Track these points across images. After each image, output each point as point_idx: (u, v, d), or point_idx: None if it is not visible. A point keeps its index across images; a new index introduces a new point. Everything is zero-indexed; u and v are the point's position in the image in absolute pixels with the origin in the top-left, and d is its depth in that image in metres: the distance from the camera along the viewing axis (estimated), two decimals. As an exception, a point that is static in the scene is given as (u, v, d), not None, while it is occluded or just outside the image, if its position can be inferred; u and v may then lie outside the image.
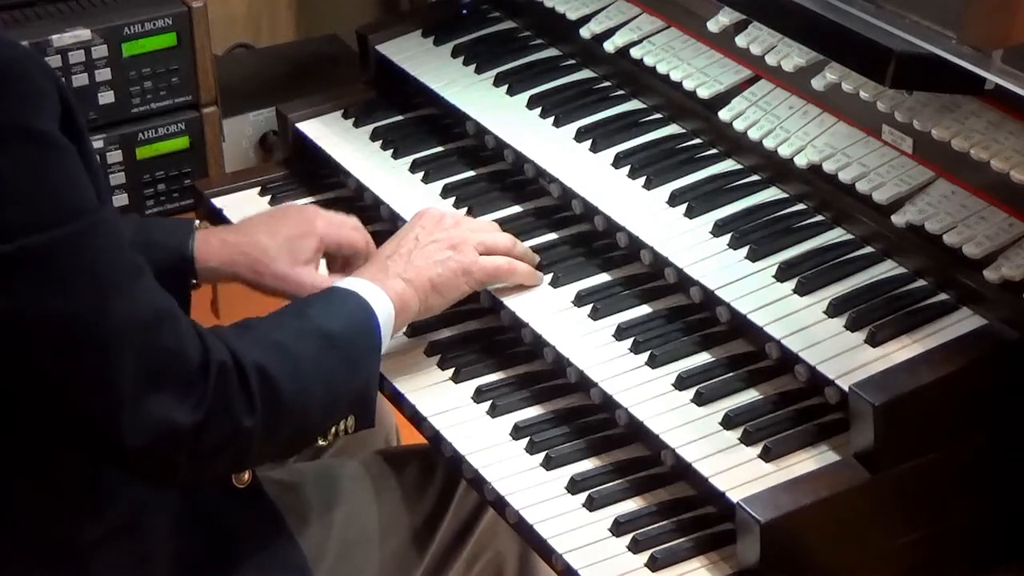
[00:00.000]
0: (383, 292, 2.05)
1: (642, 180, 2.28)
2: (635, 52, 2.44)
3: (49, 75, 1.68)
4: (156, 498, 1.90)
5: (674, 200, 2.23)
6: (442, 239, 2.15)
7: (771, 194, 2.23)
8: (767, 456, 1.89)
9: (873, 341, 1.94)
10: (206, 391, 1.77)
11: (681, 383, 2.02)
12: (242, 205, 2.57)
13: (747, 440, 1.92)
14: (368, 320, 2.01)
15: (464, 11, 2.75)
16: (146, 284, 1.75)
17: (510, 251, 2.20)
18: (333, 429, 1.97)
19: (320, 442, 1.99)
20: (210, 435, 1.78)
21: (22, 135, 1.64)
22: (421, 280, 2.10)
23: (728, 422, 1.95)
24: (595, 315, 2.14)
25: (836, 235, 2.13)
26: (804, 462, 1.89)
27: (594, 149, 2.36)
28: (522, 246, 2.23)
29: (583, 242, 2.28)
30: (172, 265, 2.15)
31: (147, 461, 1.77)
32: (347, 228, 2.25)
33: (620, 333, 2.10)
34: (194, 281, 2.21)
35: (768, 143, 2.22)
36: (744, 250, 2.12)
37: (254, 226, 2.24)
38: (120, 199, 2.92)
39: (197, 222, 2.25)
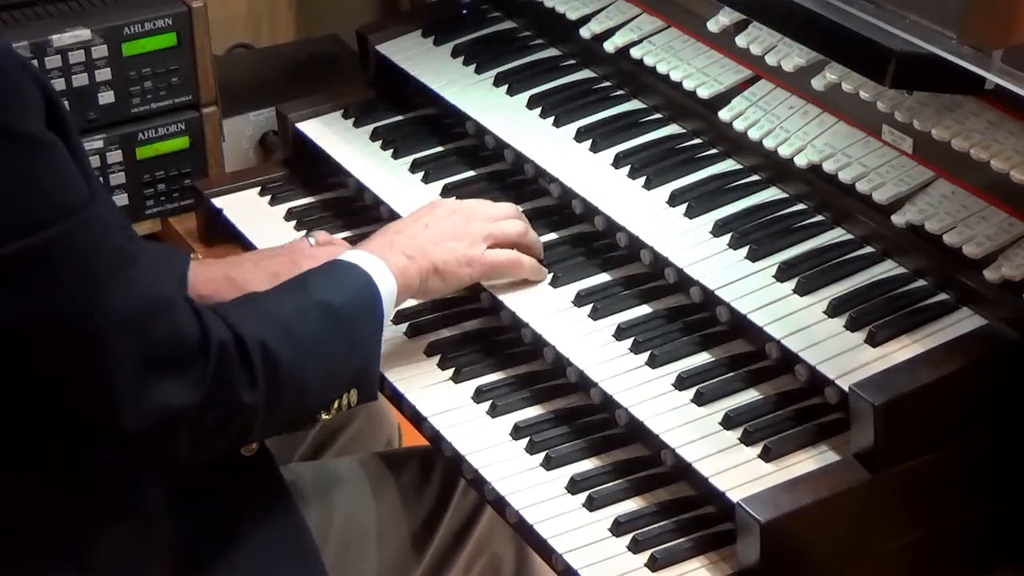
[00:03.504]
0: (386, 266, 2.05)
1: (642, 180, 2.28)
2: (635, 52, 2.44)
3: (29, 71, 1.67)
4: (157, 478, 1.90)
5: (674, 200, 2.23)
6: (450, 230, 2.15)
7: (771, 194, 2.23)
8: (767, 456, 1.89)
9: (873, 341, 1.94)
10: (206, 370, 1.78)
11: (681, 383, 2.02)
12: (242, 205, 2.58)
13: (747, 440, 1.92)
14: (371, 294, 2.01)
15: (464, 11, 2.75)
16: (139, 272, 1.75)
17: (520, 241, 2.20)
18: (336, 404, 1.97)
19: (323, 416, 1.99)
20: (212, 413, 1.80)
21: (6, 137, 1.64)
22: (425, 260, 2.10)
23: (728, 422, 1.95)
24: (595, 315, 2.14)
25: (836, 235, 2.13)
26: (804, 462, 1.89)
27: (594, 149, 2.36)
28: (532, 236, 2.23)
29: (583, 242, 2.28)
30: None
31: (149, 445, 1.79)
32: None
33: (620, 333, 2.10)
34: None
35: (768, 143, 2.22)
36: (744, 250, 2.12)
37: (243, 260, 2.29)
38: (120, 199, 2.91)
39: (193, 253, 2.28)
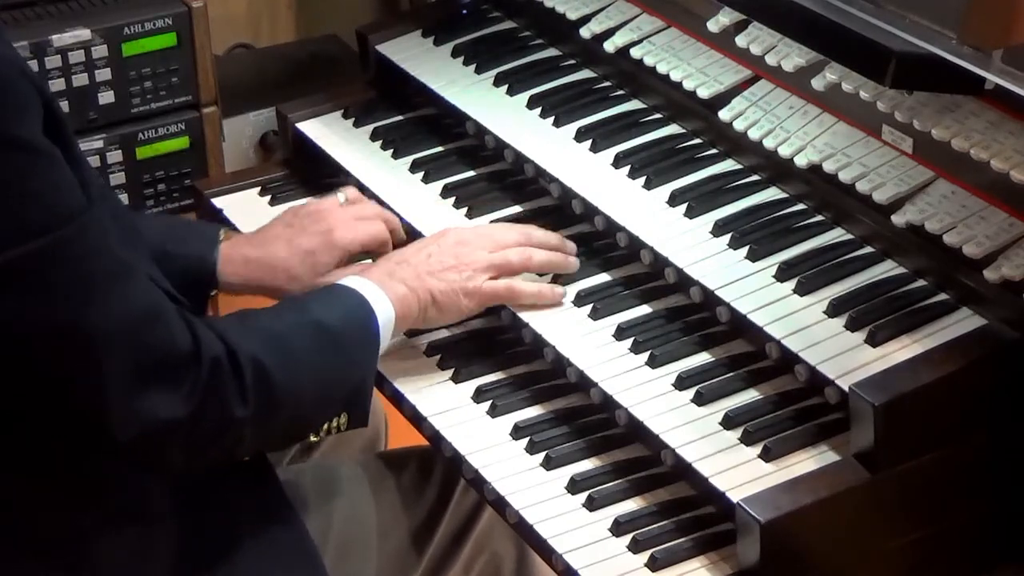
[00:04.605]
0: (385, 294, 2.05)
1: (642, 180, 2.28)
2: (635, 52, 2.44)
3: (28, 78, 1.67)
4: (158, 480, 1.90)
5: (674, 200, 2.23)
6: (451, 260, 2.14)
7: (771, 194, 2.23)
8: (767, 456, 1.89)
9: (873, 341, 1.94)
10: (197, 383, 1.78)
11: (681, 383, 2.02)
12: (242, 205, 2.57)
13: (747, 440, 1.92)
14: (367, 319, 2.01)
15: (464, 11, 2.75)
16: (135, 282, 1.75)
17: (525, 268, 2.18)
18: (325, 425, 1.97)
19: (312, 438, 1.99)
20: (203, 426, 1.80)
21: (3, 143, 1.63)
22: (423, 290, 2.10)
23: (728, 422, 1.95)
24: (595, 315, 2.14)
25: (836, 235, 2.13)
26: (804, 462, 1.89)
27: (594, 149, 2.36)
28: (540, 258, 2.18)
29: (583, 242, 2.28)
30: (194, 274, 2.17)
31: (141, 453, 1.79)
32: (364, 226, 2.25)
33: (620, 333, 2.10)
34: (214, 292, 2.22)
35: (768, 143, 2.22)
36: (744, 250, 2.12)
37: (273, 239, 2.25)
38: (120, 199, 2.92)
39: (223, 232, 2.25)
